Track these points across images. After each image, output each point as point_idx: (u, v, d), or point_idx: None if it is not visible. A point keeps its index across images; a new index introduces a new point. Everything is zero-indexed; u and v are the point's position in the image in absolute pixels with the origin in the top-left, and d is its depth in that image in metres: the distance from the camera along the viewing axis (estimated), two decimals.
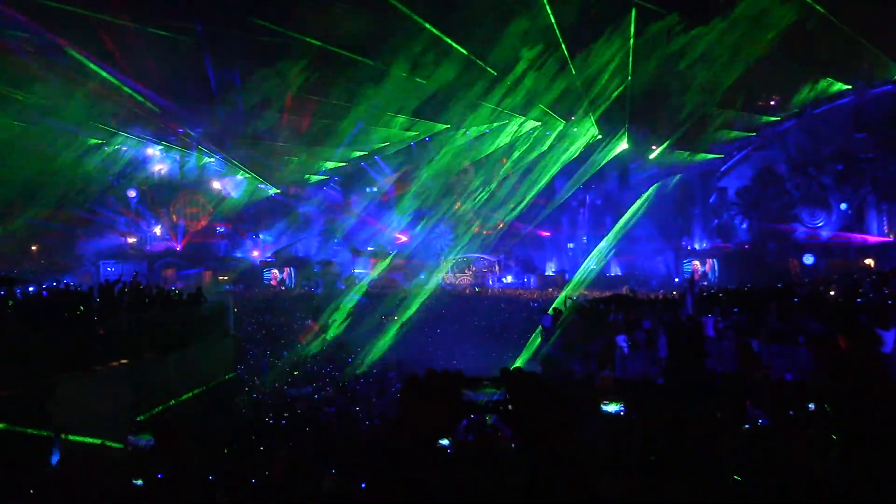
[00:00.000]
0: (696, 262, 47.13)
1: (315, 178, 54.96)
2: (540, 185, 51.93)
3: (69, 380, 14.40)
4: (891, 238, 40.99)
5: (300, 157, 50.71)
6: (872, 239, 41.71)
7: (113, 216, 50.23)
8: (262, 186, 54.36)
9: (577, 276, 48.11)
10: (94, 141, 47.06)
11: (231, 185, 53.87)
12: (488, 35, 33.68)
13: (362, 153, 52.52)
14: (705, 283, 40.98)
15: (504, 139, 50.67)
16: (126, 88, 37.70)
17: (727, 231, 48.03)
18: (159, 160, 51.94)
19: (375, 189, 56.17)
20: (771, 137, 46.07)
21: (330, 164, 53.14)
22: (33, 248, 46.98)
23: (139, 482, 8.14)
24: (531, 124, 49.17)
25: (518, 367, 1.61)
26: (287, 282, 51.97)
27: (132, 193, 50.99)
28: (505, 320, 36.15)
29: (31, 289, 25.42)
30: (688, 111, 41.19)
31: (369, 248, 54.58)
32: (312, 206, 55.21)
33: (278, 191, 54.81)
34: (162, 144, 50.29)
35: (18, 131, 38.70)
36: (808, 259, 42.43)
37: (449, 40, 33.54)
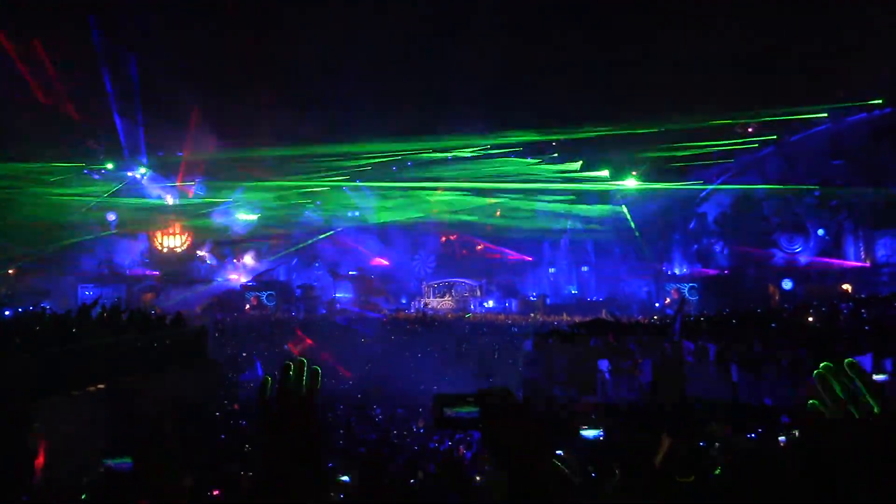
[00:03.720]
0: (674, 289, 47.33)
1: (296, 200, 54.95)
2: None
3: (46, 404, 14.21)
4: (867, 264, 41.44)
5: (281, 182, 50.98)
6: (849, 264, 42.15)
7: (92, 239, 49.83)
8: (242, 209, 54.25)
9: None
10: (73, 163, 46.99)
11: (214, 209, 53.70)
12: None
13: (344, 177, 52.69)
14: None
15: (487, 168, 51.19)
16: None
17: (706, 256, 48.35)
18: (139, 183, 51.68)
19: (357, 213, 56.12)
20: (749, 164, 46.59)
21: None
22: (10, 271, 46.48)
23: None
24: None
25: (495, 387, 1.64)
26: (268, 305, 51.63)
27: (111, 217, 50.67)
28: (486, 345, 36.09)
29: (6, 313, 25.12)
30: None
31: (350, 272, 54.42)
32: (293, 229, 55.09)
33: (259, 215, 54.67)
34: (142, 167, 50.19)
35: None
36: (787, 284, 42.78)
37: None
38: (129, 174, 50.53)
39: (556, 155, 50.67)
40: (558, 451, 8.96)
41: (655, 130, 43.31)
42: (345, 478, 11.49)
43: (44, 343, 16.25)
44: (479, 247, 55.20)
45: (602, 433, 12.28)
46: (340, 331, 39.87)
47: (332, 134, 45.63)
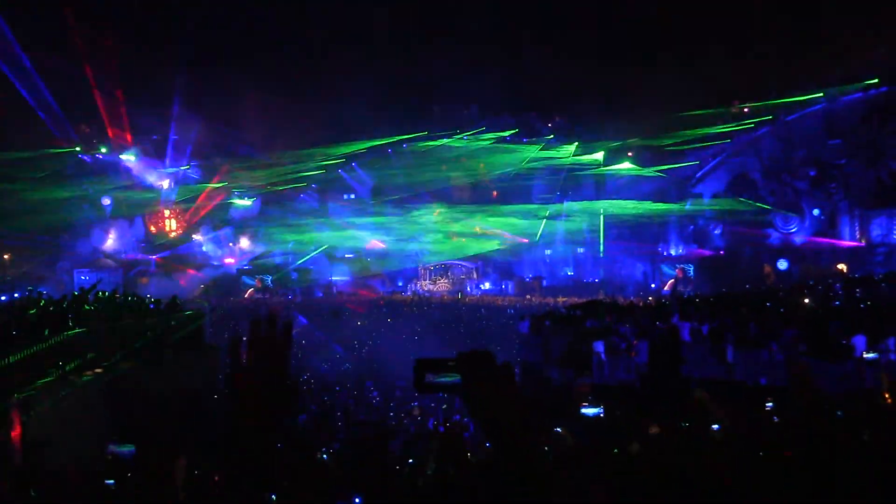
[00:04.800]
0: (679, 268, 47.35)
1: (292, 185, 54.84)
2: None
3: (42, 390, 14.22)
4: (862, 243, 41.50)
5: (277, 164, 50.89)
6: (844, 244, 42.21)
7: (87, 224, 49.64)
8: (238, 194, 54.20)
9: None
10: (68, 148, 46.83)
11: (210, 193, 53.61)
12: None
13: (339, 160, 52.59)
14: (681, 289, 41.21)
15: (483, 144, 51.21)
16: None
17: (703, 237, 48.37)
18: (134, 168, 51.43)
19: (353, 196, 56.01)
20: (745, 144, 46.55)
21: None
22: (6, 256, 46.37)
23: (111, 482, 8.06)
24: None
25: (474, 350, 1.67)
26: (271, 287, 51.57)
27: (107, 201, 50.49)
28: (482, 327, 36.17)
29: (2, 298, 25.11)
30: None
31: (347, 255, 54.34)
32: (289, 213, 54.95)
33: (254, 199, 54.55)
34: (136, 151, 49.98)
35: None
36: (782, 264, 42.84)
37: None
38: (123, 158, 50.32)
39: (551, 137, 50.62)
40: (556, 429, 9.00)
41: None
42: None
43: (39, 328, 16.24)
44: (477, 229, 55.07)
45: (602, 411, 12.39)
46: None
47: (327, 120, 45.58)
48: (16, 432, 12.22)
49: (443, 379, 1.86)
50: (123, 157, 50.23)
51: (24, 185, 44.20)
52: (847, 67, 40.71)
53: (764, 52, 40.60)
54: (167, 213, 53.42)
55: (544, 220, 51.51)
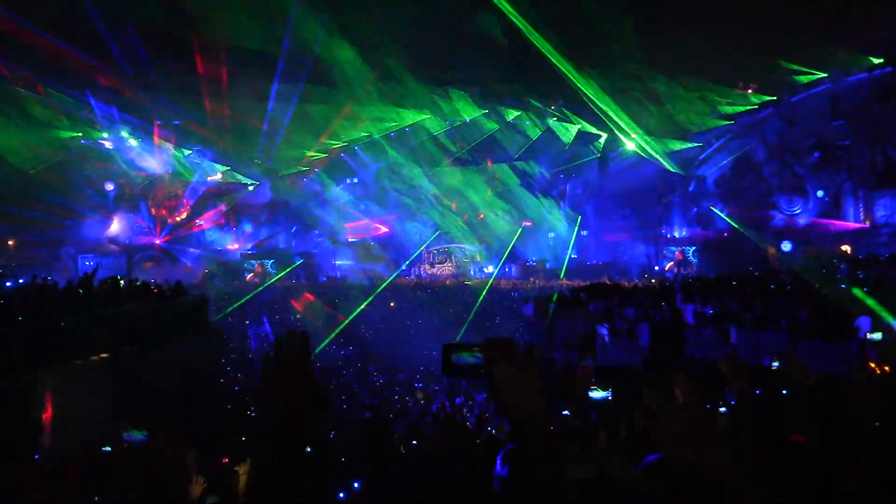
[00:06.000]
0: (679, 251, 47.36)
1: (295, 168, 54.83)
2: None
3: (48, 375, 14.29)
4: (867, 224, 41.41)
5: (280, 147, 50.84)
6: (849, 225, 42.11)
7: (91, 210, 49.73)
8: (241, 178, 54.26)
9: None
10: (70, 134, 46.77)
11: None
12: None
13: (342, 143, 52.48)
14: (686, 272, 41.15)
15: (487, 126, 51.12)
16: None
17: (706, 219, 48.32)
18: (137, 152, 51.40)
19: (356, 179, 56.04)
20: (748, 125, 46.37)
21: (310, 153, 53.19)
22: (10, 242, 46.49)
23: (108, 448, 8.13)
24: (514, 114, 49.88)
25: (499, 337, 1.80)
26: (271, 273, 51.71)
27: (110, 187, 50.55)
28: (486, 310, 36.21)
29: (7, 283, 25.18)
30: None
31: (350, 239, 54.44)
32: (293, 197, 55.05)
33: (257, 183, 54.61)
34: (140, 136, 49.95)
35: None
36: (786, 246, 42.80)
37: None
38: (126, 142, 50.27)
39: (554, 119, 50.43)
40: (564, 412, 9.02)
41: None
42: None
43: (45, 313, 16.30)
44: (481, 216, 55.08)
45: (610, 394, 12.43)
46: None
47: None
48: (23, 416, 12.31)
49: (468, 359, 1.97)
50: (127, 141, 50.21)
51: (25, 171, 44.22)
52: (852, 47, 40.43)
53: (767, 31, 40.27)
54: (171, 197, 53.45)
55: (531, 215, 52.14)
